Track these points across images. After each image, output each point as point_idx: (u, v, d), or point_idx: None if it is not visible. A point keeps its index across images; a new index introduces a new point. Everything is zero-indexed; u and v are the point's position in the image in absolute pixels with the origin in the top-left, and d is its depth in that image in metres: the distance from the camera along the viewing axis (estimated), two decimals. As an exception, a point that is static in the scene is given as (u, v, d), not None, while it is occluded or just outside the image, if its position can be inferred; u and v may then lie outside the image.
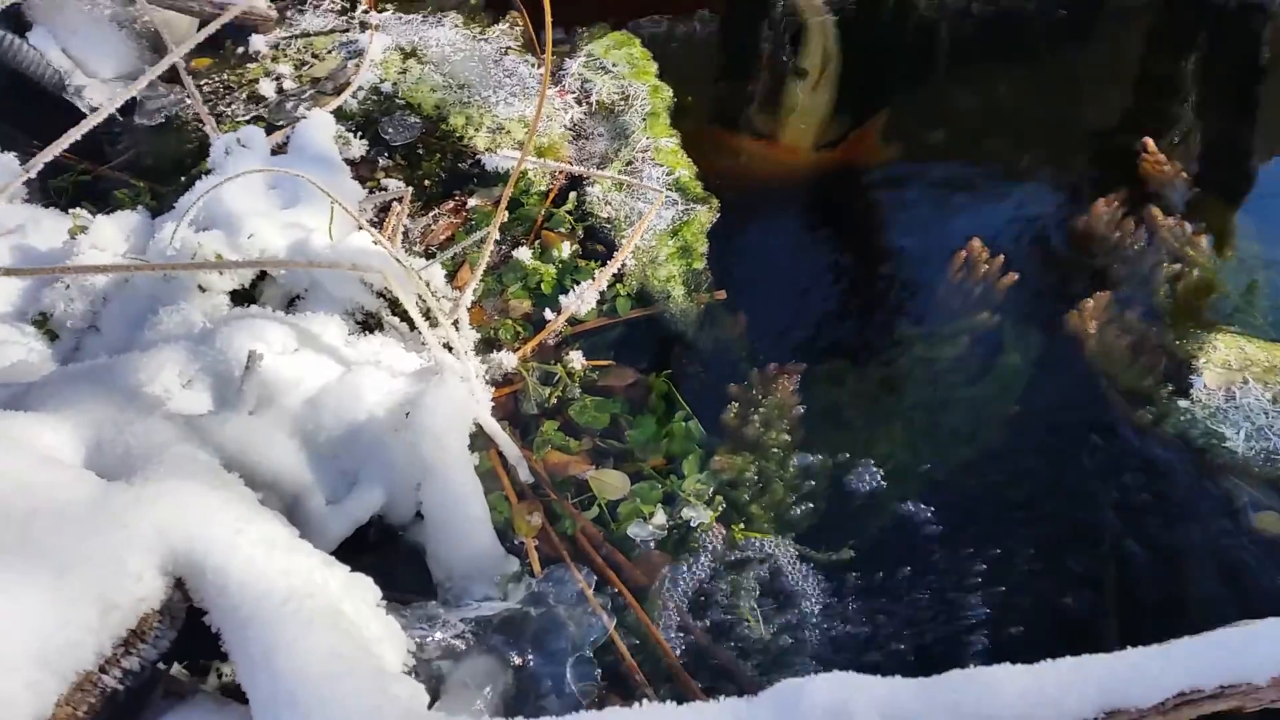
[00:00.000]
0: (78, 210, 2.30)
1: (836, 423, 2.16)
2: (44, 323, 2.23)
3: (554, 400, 2.25)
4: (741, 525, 2.01)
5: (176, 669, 1.67)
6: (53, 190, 2.78)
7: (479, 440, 2.15)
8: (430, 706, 1.74)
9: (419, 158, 2.85)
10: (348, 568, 1.64)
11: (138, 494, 1.44)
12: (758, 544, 1.99)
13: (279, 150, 2.81)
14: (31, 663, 1.21)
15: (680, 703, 1.41)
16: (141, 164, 2.93)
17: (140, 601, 1.34)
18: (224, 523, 1.46)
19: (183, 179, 2.77)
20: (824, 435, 2.13)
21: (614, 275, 2.38)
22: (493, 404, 2.23)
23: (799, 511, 2.03)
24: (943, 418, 2.15)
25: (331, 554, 1.91)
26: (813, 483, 2.06)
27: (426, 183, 2.77)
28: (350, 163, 2.80)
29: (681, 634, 1.89)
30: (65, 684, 1.24)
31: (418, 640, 1.76)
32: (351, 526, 1.98)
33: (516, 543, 2.02)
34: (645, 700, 1.74)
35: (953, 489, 2.03)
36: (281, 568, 1.43)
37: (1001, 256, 2.39)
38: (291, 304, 2.32)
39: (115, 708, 1.33)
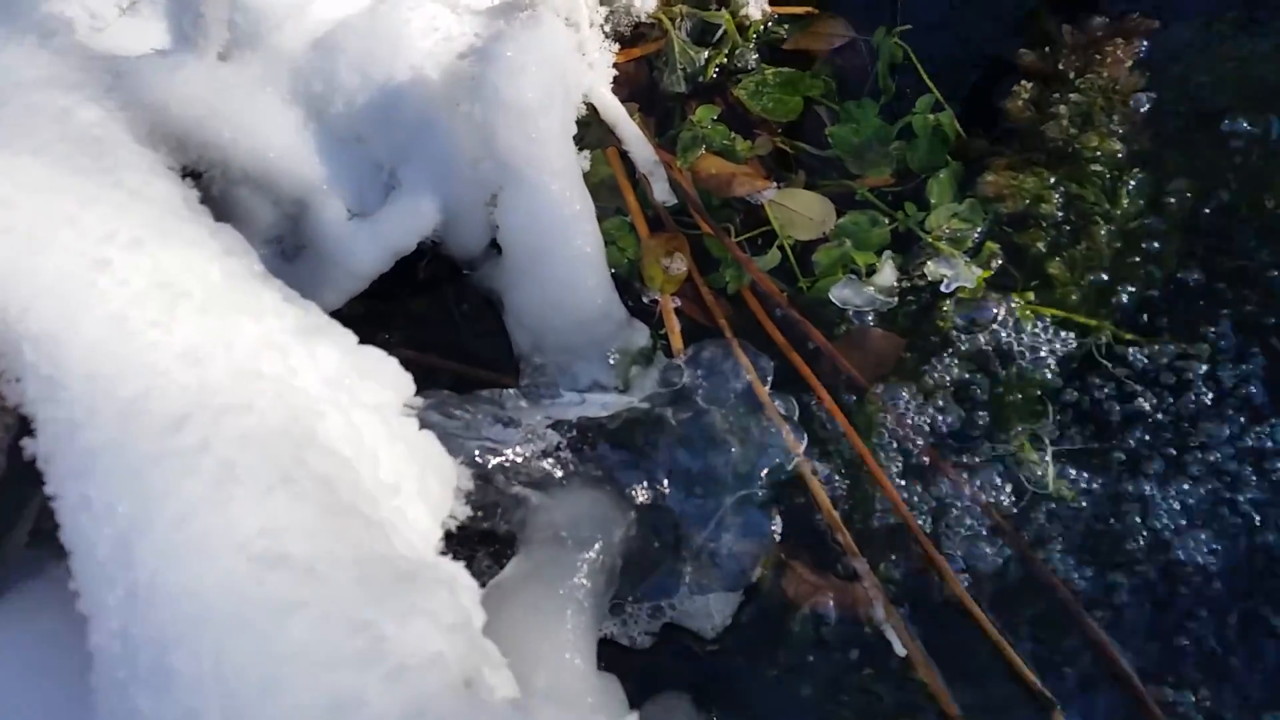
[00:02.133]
0: None
1: (1214, 135, 1.25)
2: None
3: (714, 71, 1.39)
4: (1031, 295, 1.19)
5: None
6: None
7: (591, 132, 1.37)
8: (498, 568, 1.07)
9: None
10: (349, 334, 0.90)
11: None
12: (1057, 330, 1.17)
13: None
14: None
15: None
16: None
17: None
18: (78, 244, 0.70)
19: None
20: (1188, 148, 1.23)
21: None
22: (615, 72, 1.38)
23: (1137, 275, 1.19)
24: None
25: (357, 298, 1.21)
26: (1163, 226, 1.20)
27: None
28: None
29: (918, 476, 1.13)
30: None
31: (481, 457, 1.05)
32: (389, 255, 1.26)
33: (647, 301, 1.26)
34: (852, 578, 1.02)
35: None
36: (187, 344, 0.68)
37: None
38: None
39: None
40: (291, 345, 0.78)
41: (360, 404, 0.81)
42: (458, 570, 0.76)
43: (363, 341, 0.97)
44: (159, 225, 0.78)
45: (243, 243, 0.92)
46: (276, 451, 0.66)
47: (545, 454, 1.09)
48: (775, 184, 1.31)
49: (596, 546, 1.04)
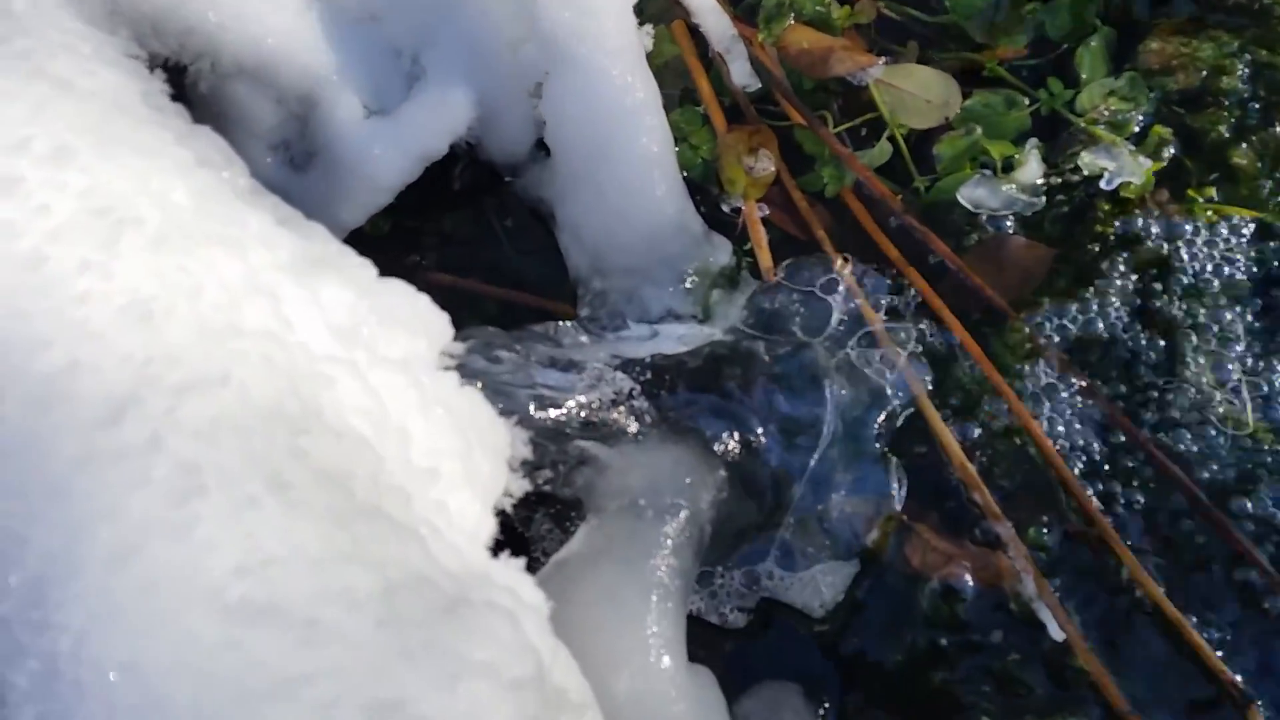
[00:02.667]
0: None
1: None
2: None
3: (800, -77, 1.14)
4: (1212, 192, 0.95)
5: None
6: None
7: (653, 2, 1.13)
8: (559, 533, 0.90)
9: None
10: (366, 265, 0.70)
11: None
12: (1245, 234, 0.94)
13: None
14: None
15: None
16: None
17: None
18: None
19: None
20: None
21: None
22: (680, -72, 1.13)
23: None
24: None
25: (381, 214, 1.05)
26: None
27: None
28: None
29: (1074, 419, 0.92)
30: None
31: (536, 410, 0.86)
32: (416, 161, 1.07)
33: (728, 210, 1.05)
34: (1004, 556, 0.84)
35: None
36: (134, 294, 0.48)
37: None
38: None
39: None
40: (286, 286, 0.58)
41: (382, 360, 0.61)
42: (518, 579, 0.58)
43: (387, 270, 0.78)
44: (99, 129, 0.58)
45: (225, 150, 0.71)
46: (263, 443, 0.47)
47: (615, 402, 0.89)
48: (882, 59, 1.07)
49: (682, 515, 0.85)
